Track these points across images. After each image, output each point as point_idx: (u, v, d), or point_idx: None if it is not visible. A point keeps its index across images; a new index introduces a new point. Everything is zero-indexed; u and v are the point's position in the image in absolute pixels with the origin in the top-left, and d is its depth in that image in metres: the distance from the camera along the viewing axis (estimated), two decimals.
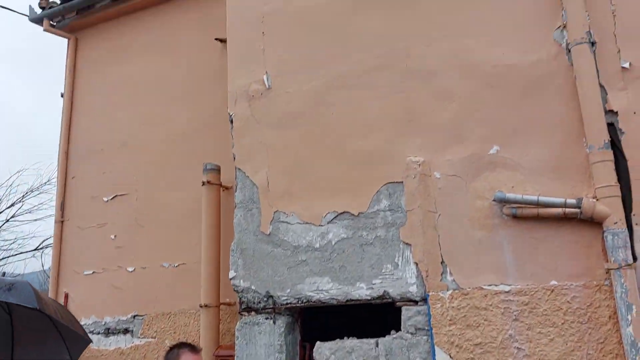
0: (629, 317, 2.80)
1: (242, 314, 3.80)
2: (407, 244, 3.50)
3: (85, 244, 5.33)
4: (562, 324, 3.02)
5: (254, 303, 3.78)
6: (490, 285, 3.24)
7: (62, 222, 5.49)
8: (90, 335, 5.06)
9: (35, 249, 14.04)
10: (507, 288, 3.19)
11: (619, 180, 3.04)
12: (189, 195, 4.96)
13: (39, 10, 6.14)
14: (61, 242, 5.44)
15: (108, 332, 5.01)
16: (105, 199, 5.37)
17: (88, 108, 5.85)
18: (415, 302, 3.42)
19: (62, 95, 6.01)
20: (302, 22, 4.10)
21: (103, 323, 5.04)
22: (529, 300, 3.12)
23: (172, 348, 3.05)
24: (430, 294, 3.36)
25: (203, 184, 4.74)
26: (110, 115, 5.66)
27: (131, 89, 5.60)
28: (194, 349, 3.02)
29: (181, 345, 3.04)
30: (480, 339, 3.17)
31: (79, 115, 5.89)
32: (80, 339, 3.18)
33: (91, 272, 5.23)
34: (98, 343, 5.00)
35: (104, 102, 5.75)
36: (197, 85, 5.21)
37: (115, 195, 5.34)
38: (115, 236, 5.22)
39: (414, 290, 3.42)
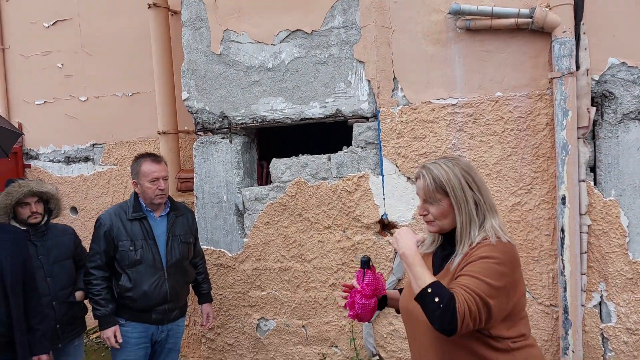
0: (564, 122, 2.96)
1: (198, 134, 3.85)
2: (360, 61, 3.47)
3: (32, 73, 5.09)
4: (502, 132, 3.19)
5: (209, 124, 3.81)
6: (438, 99, 3.32)
7: (3, 49, 5.15)
8: (50, 163, 5.13)
9: None
10: (454, 101, 3.28)
11: None
12: (137, 20, 4.67)
13: None
14: (6, 71, 5.17)
15: (68, 160, 5.05)
16: (45, 25, 5.00)
17: None
18: (366, 119, 3.51)
19: None
20: None
21: (62, 152, 5.06)
22: (474, 112, 3.24)
23: (135, 158, 3.12)
24: (381, 110, 3.44)
25: (149, 6, 4.43)
26: None
27: None
28: (155, 158, 3.10)
29: (144, 155, 3.11)
30: (425, 149, 3.34)
31: None
32: (9, 133, 3.13)
33: (42, 102, 5.08)
34: (60, 171, 5.07)
35: None
36: None
37: (57, 21, 4.97)
38: (62, 65, 4.99)
39: (365, 107, 3.48)
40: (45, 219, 3.07)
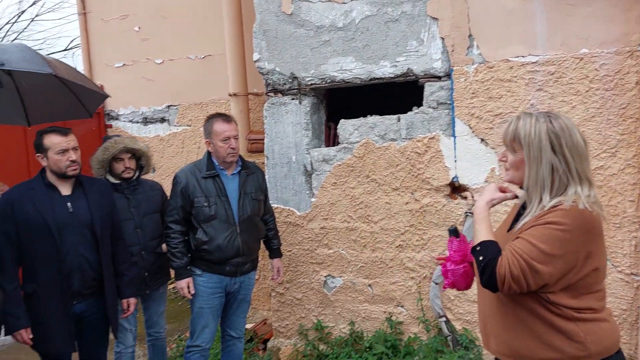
0: None
1: (268, 95, 3.91)
2: (434, 18, 3.36)
3: (112, 36, 5.34)
4: (586, 91, 3.01)
5: (279, 85, 3.85)
6: (517, 57, 3.16)
7: (85, 14, 5.42)
8: (130, 123, 5.41)
9: (65, 49, 14.28)
10: (534, 59, 3.12)
11: None
12: None
13: None
14: (88, 35, 5.45)
15: (146, 121, 5.31)
16: None
17: None
18: (439, 78, 3.42)
19: None
20: None
21: (140, 113, 5.31)
22: (556, 70, 3.07)
23: (207, 118, 3.22)
24: (454, 68, 3.33)
25: None
26: None
27: None
28: (226, 118, 3.18)
29: (215, 115, 3.20)
30: (502, 109, 3.22)
31: None
32: (95, 95, 3.32)
33: (121, 64, 5.33)
34: (138, 131, 5.34)
35: None
36: None
37: None
38: (139, 28, 5.18)
39: (438, 66, 3.39)
40: (137, 174, 3.28)
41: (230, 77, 4.65)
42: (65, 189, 2.76)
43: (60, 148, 2.67)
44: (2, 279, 2.58)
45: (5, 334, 2.69)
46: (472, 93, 3.29)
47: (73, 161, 2.71)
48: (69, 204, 2.72)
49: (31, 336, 2.62)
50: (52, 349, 2.70)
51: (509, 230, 1.73)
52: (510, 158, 1.69)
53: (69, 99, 3.30)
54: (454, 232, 1.92)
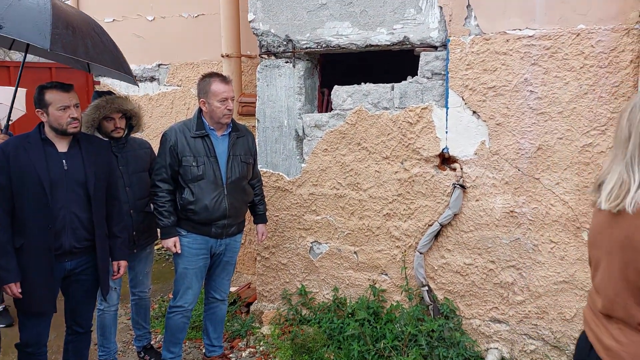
0: None
1: (262, 57, 3.85)
2: None
3: None
4: (581, 68, 3.00)
5: (273, 47, 3.79)
6: (514, 29, 3.14)
7: None
8: (118, 81, 5.30)
9: None
10: (531, 33, 3.10)
11: None
12: None
13: None
14: None
15: (135, 79, 5.21)
16: None
17: None
18: (435, 48, 3.39)
19: None
20: None
21: None
22: (552, 45, 3.05)
23: (203, 77, 3.15)
24: (451, 39, 3.30)
25: None
26: None
27: None
28: (224, 78, 3.11)
29: (212, 75, 3.13)
30: (495, 82, 3.21)
31: None
32: (124, 63, 3.20)
33: (111, 19, 5.19)
34: (127, 89, 5.24)
35: None
36: None
37: None
38: None
39: (435, 35, 3.35)
40: (126, 132, 3.21)
41: (224, 38, 4.57)
42: (62, 146, 2.66)
43: (62, 104, 2.58)
44: None
45: None
46: (467, 64, 3.27)
47: (74, 118, 2.61)
48: (64, 161, 2.64)
49: (20, 290, 2.56)
50: (33, 307, 2.63)
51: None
52: None
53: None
54: None
